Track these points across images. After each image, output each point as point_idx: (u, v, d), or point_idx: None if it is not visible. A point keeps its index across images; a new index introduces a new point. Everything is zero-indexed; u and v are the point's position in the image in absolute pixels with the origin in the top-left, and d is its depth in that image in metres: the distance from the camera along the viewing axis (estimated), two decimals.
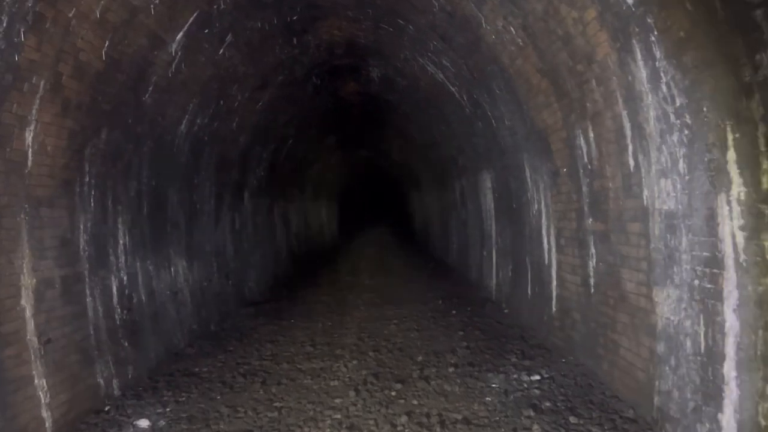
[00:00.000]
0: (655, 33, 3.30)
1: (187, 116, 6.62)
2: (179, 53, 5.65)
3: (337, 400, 4.67)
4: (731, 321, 2.91)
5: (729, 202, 2.88)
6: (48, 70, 3.92)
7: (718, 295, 3.01)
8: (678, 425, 3.42)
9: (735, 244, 2.86)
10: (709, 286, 3.10)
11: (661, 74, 3.35)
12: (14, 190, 3.85)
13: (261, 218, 11.46)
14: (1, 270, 3.70)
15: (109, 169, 5.16)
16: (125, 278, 5.45)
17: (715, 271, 3.03)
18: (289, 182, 14.11)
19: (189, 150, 7.02)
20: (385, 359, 5.86)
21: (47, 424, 4.00)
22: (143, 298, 5.81)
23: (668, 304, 3.57)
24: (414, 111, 11.08)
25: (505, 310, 8.01)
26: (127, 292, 5.45)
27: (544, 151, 5.88)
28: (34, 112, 3.90)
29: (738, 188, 2.82)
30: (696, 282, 3.23)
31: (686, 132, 3.23)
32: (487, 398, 4.60)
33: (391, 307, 8.76)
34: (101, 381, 4.76)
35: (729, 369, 2.92)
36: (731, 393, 2.91)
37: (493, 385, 4.90)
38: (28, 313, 3.94)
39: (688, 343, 3.32)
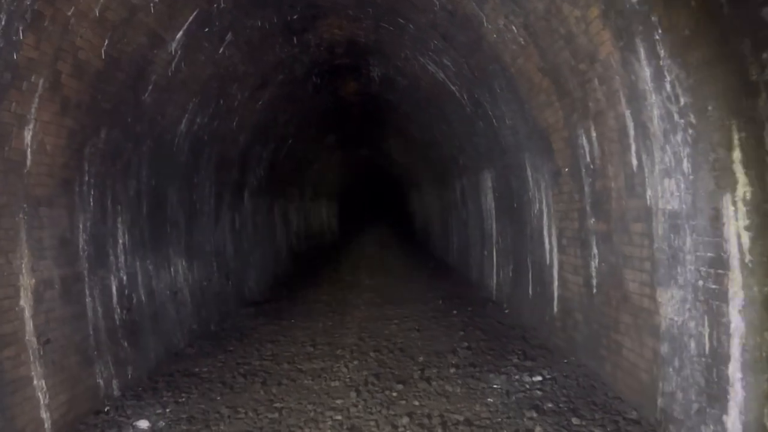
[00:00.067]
0: (659, 31, 3.27)
1: (186, 115, 6.59)
2: (179, 52, 5.62)
3: (338, 401, 4.64)
4: (737, 322, 2.88)
5: (734, 202, 2.85)
6: (47, 68, 3.89)
7: (723, 296, 2.98)
8: (682, 427, 3.40)
9: (740, 245, 2.83)
10: (713, 286, 3.07)
11: (665, 73, 3.32)
12: (13, 189, 3.82)
13: (261, 218, 11.43)
14: (0, 270, 3.67)
15: (109, 168, 5.13)
16: (125, 278, 5.42)
17: (720, 271, 3.01)
18: (289, 182, 14.08)
19: (189, 149, 6.99)
20: (386, 359, 5.84)
21: (46, 425, 3.97)
22: (143, 298, 5.78)
23: (672, 305, 3.55)
24: (414, 110, 11.05)
25: (506, 310, 7.98)
26: (126, 292, 5.43)
27: (546, 151, 5.85)
28: (33, 110, 3.88)
29: (744, 188, 2.79)
30: (700, 283, 3.21)
31: (690, 131, 3.20)
32: (488, 399, 4.58)
33: (391, 306, 8.74)
34: (101, 381, 4.73)
35: (734, 370, 2.89)
36: (736, 395, 2.88)
37: (495, 386, 4.87)
38: (27, 313, 3.91)
39: (693, 345, 3.29)
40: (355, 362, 5.76)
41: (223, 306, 8.39)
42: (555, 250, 5.94)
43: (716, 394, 3.05)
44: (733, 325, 2.91)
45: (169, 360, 6.01)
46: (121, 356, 5.12)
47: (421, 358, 5.80)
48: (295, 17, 6.96)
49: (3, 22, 3.39)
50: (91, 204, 4.87)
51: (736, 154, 2.82)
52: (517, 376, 5.07)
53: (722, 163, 2.93)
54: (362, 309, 8.71)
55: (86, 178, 4.77)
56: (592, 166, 4.78)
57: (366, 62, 9.19)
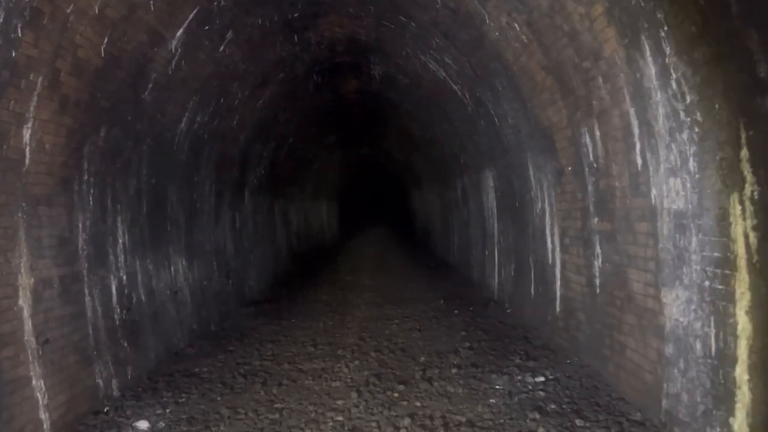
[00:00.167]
0: (665, 28, 3.23)
1: (187, 114, 6.55)
2: (179, 50, 5.58)
3: (339, 402, 4.61)
4: (744, 323, 2.84)
5: (742, 202, 2.81)
6: (46, 66, 3.85)
7: (730, 297, 2.94)
8: (687, 429, 3.36)
9: (748, 245, 2.79)
10: (720, 287, 3.03)
11: (671, 71, 3.28)
12: (11, 188, 3.79)
13: (261, 217, 11.40)
14: None
15: (109, 167, 5.10)
16: (124, 277, 5.38)
17: (726, 272, 2.97)
18: (289, 181, 14.05)
19: (189, 148, 6.96)
20: (387, 360, 5.80)
21: (45, 426, 3.94)
22: (143, 297, 5.75)
23: (677, 306, 3.51)
24: (415, 109, 11.01)
25: (508, 310, 7.95)
26: (126, 291, 5.39)
27: (549, 150, 5.81)
28: (31, 109, 3.84)
29: (751, 187, 2.75)
30: (706, 283, 3.17)
31: (697, 130, 3.16)
32: (491, 400, 4.54)
33: (392, 306, 8.71)
34: (100, 382, 4.70)
35: (741, 372, 2.85)
36: (743, 397, 2.84)
37: (497, 387, 4.83)
38: (26, 313, 3.87)
39: (698, 346, 3.25)
40: (356, 362, 5.73)
41: (224, 306, 8.35)
42: (557, 249, 5.90)
43: (723, 396, 3.01)
44: (740, 327, 2.87)
45: (169, 360, 5.97)
46: (121, 356, 5.08)
47: (422, 359, 5.77)
48: (295, 15, 6.92)
49: (1, 20, 3.35)
50: (91, 203, 4.84)
51: (744, 153, 2.78)
52: (519, 377, 5.04)
53: (729, 162, 2.89)
54: (363, 309, 8.68)
55: (86, 177, 4.73)
56: (595, 165, 4.74)
57: (367, 60, 9.15)
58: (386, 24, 7.33)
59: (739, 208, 2.85)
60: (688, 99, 3.19)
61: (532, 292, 6.87)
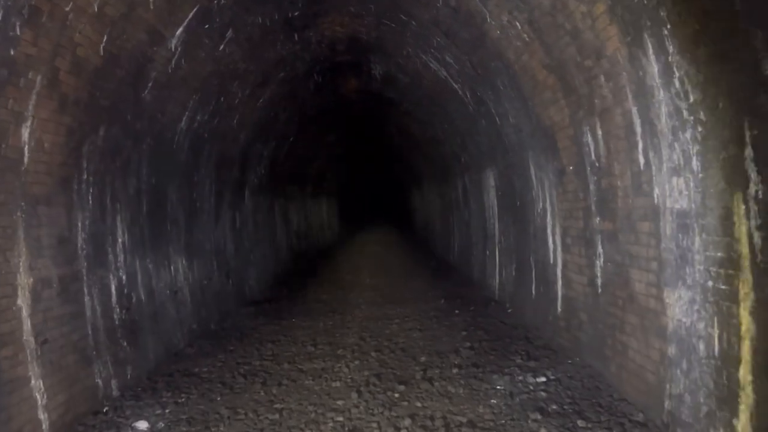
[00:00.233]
0: (668, 26, 3.20)
1: (187, 113, 6.53)
2: (179, 49, 5.56)
3: (339, 402, 4.59)
4: (747, 324, 2.82)
5: (746, 201, 2.79)
6: (45, 65, 3.83)
7: (733, 297, 2.92)
8: (690, 430, 3.34)
9: (752, 245, 2.77)
10: (723, 287, 3.01)
11: (674, 69, 3.25)
12: (10, 187, 3.76)
13: (261, 216, 11.38)
14: None
15: (108, 166, 5.07)
16: (124, 277, 5.36)
17: (730, 272, 2.94)
18: (289, 180, 14.03)
19: (189, 147, 6.93)
20: (388, 360, 5.78)
21: (44, 426, 3.92)
22: (142, 297, 5.72)
23: (680, 306, 3.48)
24: (416, 108, 10.98)
25: (509, 310, 7.93)
26: (126, 291, 5.37)
27: (550, 149, 5.78)
28: (30, 108, 3.81)
29: (756, 186, 2.72)
30: (710, 283, 3.14)
31: (700, 128, 3.14)
32: (492, 400, 4.52)
33: (392, 306, 8.68)
34: (99, 382, 4.68)
35: (745, 373, 2.83)
36: (747, 398, 2.82)
37: (498, 387, 4.81)
38: (25, 312, 3.85)
39: (702, 346, 3.23)
40: (356, 362, 5.71)
41: (224, 305, 8.33)
42: (559, 249, 5.87)
43: (726, 397, 2.99)
44: (744, 327, 2.84)
45: (169, 360, 5.95)
46: (120, 356, 5.06)
47: (423, 359, 5.75)
48: (296, 14, 6.90)
49: (0, 18, 3.34)
50: (90, 202, 4.81)
51: (748, 152, 2.75)
52: (520, 377, 5.01)
53: (733, 161, 2.87)
54: (363, 308, 8.66)
55: (85, 176, 4.71)
56: (597, 164, 4.71)
57: (367, 60, 9.12)
58: (387, 23, 7.30)
59: (743, 207, 2.82)
60: (692, 97, 3.16)
61: (534, 291, 6.84)
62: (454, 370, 5.30)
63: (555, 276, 6.01)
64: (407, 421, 4.13)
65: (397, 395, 4.71)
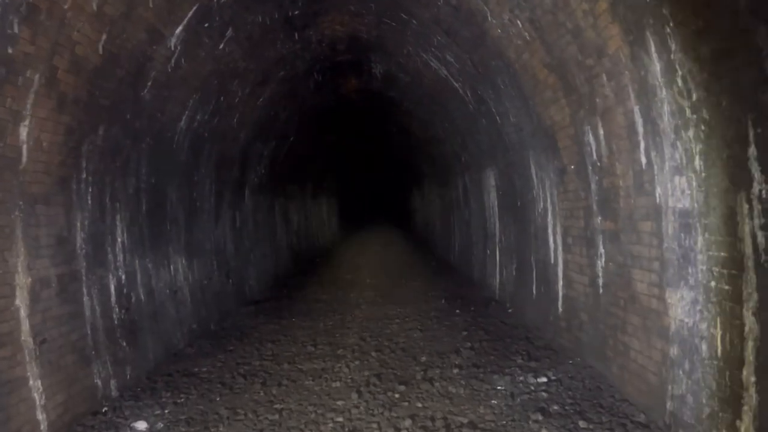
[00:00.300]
0: (671, 24, 3.18)
1: (186, 112, 6.51)
2: (179, 48, 5.53)
3: (339, 402, 4.56)
4: (751, 324, 2.79)
5: (749, 200, 2.76)
6: (43, 63, 3.80)
7: (736, 298, 2.89)
8: (693, 431, 3.31)
9: (756, 244, 2.74)
10: (726, 287, 2.98)
11: (677, 67, 3.23)
12: (8, 186, 3.74)
13: (261, 216, 11.36)
14: None
15: (107, 165, 5.05)
16: (123, 277, 5.34)
17: (733, 272, 2.92)
18: (289, 180, 14.01)
19: (189, 147, 6.91)
20: (388, 360, 5.76)
21: (42, 427, 3.90)
22: (142, 297, 5.70)
23: (682, 306, 3.46)
24: (416, 108, 10.96)
25: (510, 310, 7.90)
26: (125, 291, 5.35)
27: (551, 148, 5.76)
28: (28, 106, 3.79)
29: (759, 185, 2.69)
30: (712, 283, 3.12)
31: (703, 127, 3.11)
32: (493, 401, 4.49)
33: (392, 306, 8.66)
34: (98, 382, 4.66)
35: (748, 374, 2.81)
36: (750, 399, 2.79)
37: (499, 388, 4.79)
38: (23, 312, 3.83)
39: (704, 347, 3.21)
40: (357, 362, 5.69)
41: (223, 305, 8.31)
42: (560, 249, 5.85)
43: (729, 399, 2.96)
44: (747, 328, 2.82)
45: (169, 360, 5.93)
46: (120, 356, 5.04)
47: (423, 359, 5.72)
48: (296, 13, 6.87)
49: None
50: (89, 202, 4.79)
51: (752, 151, 2.72)
52: (521, 378, 4.99)
53: (737, 160, 2.84)
54: (363, 308, 8.64)
55: (84, 176, 4.69)
56: (599, 164, 4.69)
57: (368, 59, 9.10)
58: (387, 22, 7.28)
59: (746, 206, 2.80)
60: (694, 96, 3.14)
61: (534, 291, 6.82)
62: (455, 371, 5.28)
63: (556, 276, 5.98)
64: (408, 422, 4.11)
65: (397, 395, 4.69)
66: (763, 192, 2.68)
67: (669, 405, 3.61)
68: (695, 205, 3.27)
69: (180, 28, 5.37)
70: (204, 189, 7.83)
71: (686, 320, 3.41)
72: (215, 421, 4.29)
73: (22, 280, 3.85)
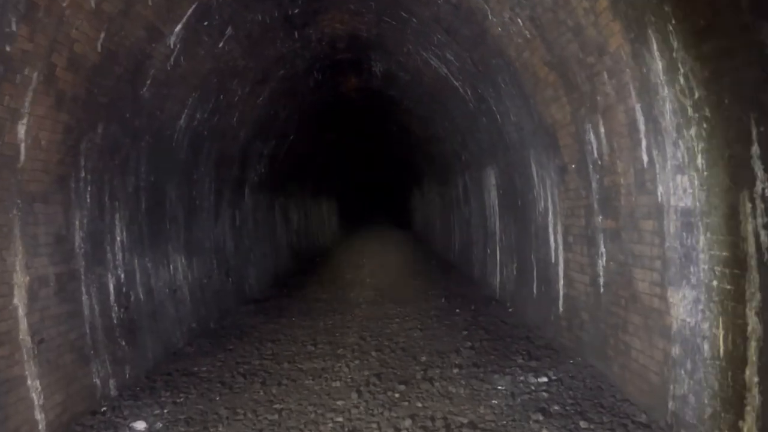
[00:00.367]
0: (673, 22, 3.16)
1: (186, 110, 6.49)
2: (178, 46, 5.51)
3: (339, 402, 4.55)
4: (754, 324, 2.77)
5: (752, 199, 2.74)
6: (41, 61, 3.78)
7: (739, 297, 2.87)
8: (695, 431, 3.29)
9: (758, 244, 2.72)
10: (729, 287, 2.96)
11: (679, 65, 3.21)
12: (6, 185, 3.72)
13: (261, 214, 11.34)
14: None
15: (106, 164, 5.03)
16: (122, 276, 5.32)
17: (736, 271, 2.90)
18: (289, 178, 13.98)
19: (188, 145, 6.89)
20: (388, 359, 5.74)
21: (41, 426, 3.88)
22: (141, 296, 5.69)
23: (684, 306, 3.44)
24: (416, 106, 10.93)
25: (510, 309, 7.89)
26: (124, 289, 5.33)
27: (552, 147, 5.74)
28: (26, 104, 3.77)
29: (762, 184, 2.67)
30: (715, 283, 3.10)
31: (705, 126, 3.09)
32: (493, 401, 4.48)
33: (393, 305, 8.64)
34: (97, 381, 4.64)
35: (751, 374, 2.79)
36: (753, 399, 2.77)
37: (500, 387, 4.77)
38: (21, 311, 3.81)
39: (706, 347, 3.19)
40: (357, 362, 5.67)
41: (223, 304, 8.30)
42: (560, 247, 5.83)
43: (732, 399, 2.94)
44: (750, 328, 2.80)
45: (168, 359, 5.91)
46: (119, 355, 5.02)
47: (423, 358, 5.71)
48: (296, 11, 6.85)
49: None
50: (88, 200, 4.77)
51: (755, 149, 2.70)
52: (522, 377, 4.97)
53: (739, 159, 2.82)
54: (363, 307, 8.62)
55: (83, 174, 4.67)
56: (600, 162, 4.67)
57: (368, 57, 9.07)
58: (387, 20, 7.25)
59: (749, 205, 2.78)
60: (697, 94, 3.12)
61: (535, 291, 6.80)
62: (455, 370, 5.26)
63: (556, 275, 5.96)
64: (408, 422, 4.09)
65: (397, 395, 4.67)
66: (766, 191, 2.66)
67: (671, 405, 3.59)
68: (697, 203, 3.25)
69: (179, 26, 5.34)
70: (203, 187, 7.81)
71: (688, 320, 3.39)
72: (215, 420, 4.27)
73: (20, 279, 3.83)
